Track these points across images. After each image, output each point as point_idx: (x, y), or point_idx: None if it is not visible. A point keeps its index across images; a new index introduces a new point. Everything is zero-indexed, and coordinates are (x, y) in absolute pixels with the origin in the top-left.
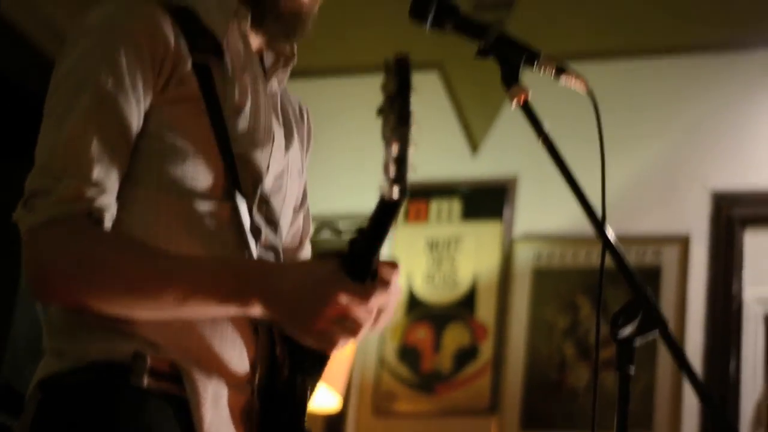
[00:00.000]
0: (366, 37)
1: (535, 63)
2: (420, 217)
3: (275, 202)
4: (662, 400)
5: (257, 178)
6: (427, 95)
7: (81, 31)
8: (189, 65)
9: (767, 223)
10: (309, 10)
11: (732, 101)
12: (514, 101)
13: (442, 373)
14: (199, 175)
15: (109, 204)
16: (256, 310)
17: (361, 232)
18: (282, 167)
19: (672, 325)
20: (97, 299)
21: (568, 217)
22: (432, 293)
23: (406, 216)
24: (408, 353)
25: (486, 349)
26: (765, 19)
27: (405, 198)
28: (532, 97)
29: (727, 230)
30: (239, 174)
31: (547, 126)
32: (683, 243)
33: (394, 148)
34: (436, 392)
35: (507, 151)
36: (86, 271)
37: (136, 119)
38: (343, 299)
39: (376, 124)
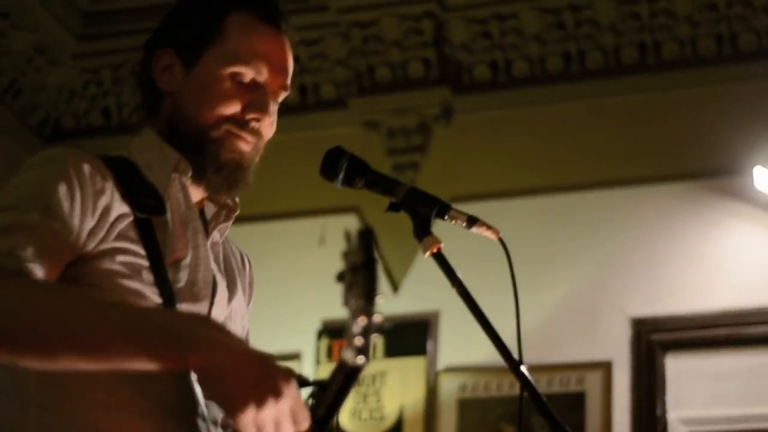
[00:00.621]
0: (283, 183)
1: (446, 215)
2: None
3: None
4: None
5: None
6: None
7: (29, 162)
8: (130, 220)
9: (686, 347)
10: (249, 161)
11: (646, 232)
12: (427, 252)
13: None
14: None
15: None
16: (198, 358)
17: (318, 397)
18: (225, 317)
19: None
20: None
21: (491, 348)
22: (359, 428)
23: (330, 354)
24: None
25: None
26: (673, 155)
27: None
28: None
29: (648, 355)
30: None
31: (462, 272)
32: (606, 369)
33: (361, 321)
34: None
35: (427, 287)
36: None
37: (72, 243)
38: (288, 403)
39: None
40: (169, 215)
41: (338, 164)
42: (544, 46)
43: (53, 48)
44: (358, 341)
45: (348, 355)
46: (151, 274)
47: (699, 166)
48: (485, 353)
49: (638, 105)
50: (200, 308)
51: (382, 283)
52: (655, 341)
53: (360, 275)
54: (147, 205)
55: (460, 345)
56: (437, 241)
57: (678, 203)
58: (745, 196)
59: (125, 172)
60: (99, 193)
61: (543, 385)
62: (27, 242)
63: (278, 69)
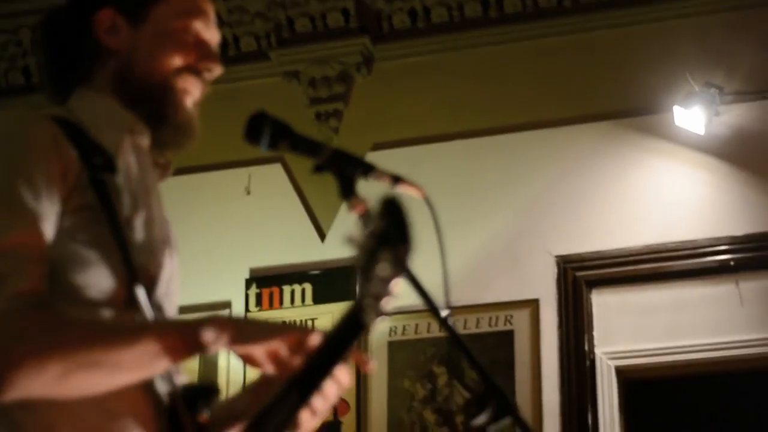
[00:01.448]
0: (207, 135)
1: (370, 175)
2: (274, 303)
3: (168, 307)
4: None
5: (151, 285)
6: (272, 186)
7: None
8: (86, 180)
9: (611, 283)
10: (195, 117)
11: (569, 171)
12: (354, 212)
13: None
14: (102, 283)
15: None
16: (211, 333)
17: (314, 355)
18: (171, 272)
19: (527, 386)
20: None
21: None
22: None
23: (259, 303)
24: None
25: (348, 423)
26: (594, 95)
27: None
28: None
29: (573, 292)
30: (137, 283)
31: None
32: (533, 307)
33: (394, 287)
34: None
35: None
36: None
37: (49, 235)
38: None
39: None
40: (121, 175)
41: (262, 129)
42: None
43: None
44: (384, 304)
45: (370, 315)
46: (109, 230)
47: (620, 105)
48: (414, 295)
49: (558, 47)
50: (154, 263)
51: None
52: (580, 278)
53: (393, 244)
54: (99, 165)
55: None
56: (363, 201)
57: (600, 142)
58: (665, 133)
59: (75, 133)
60: (59, 164)
61: (472, 324)
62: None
63: (213, 26)
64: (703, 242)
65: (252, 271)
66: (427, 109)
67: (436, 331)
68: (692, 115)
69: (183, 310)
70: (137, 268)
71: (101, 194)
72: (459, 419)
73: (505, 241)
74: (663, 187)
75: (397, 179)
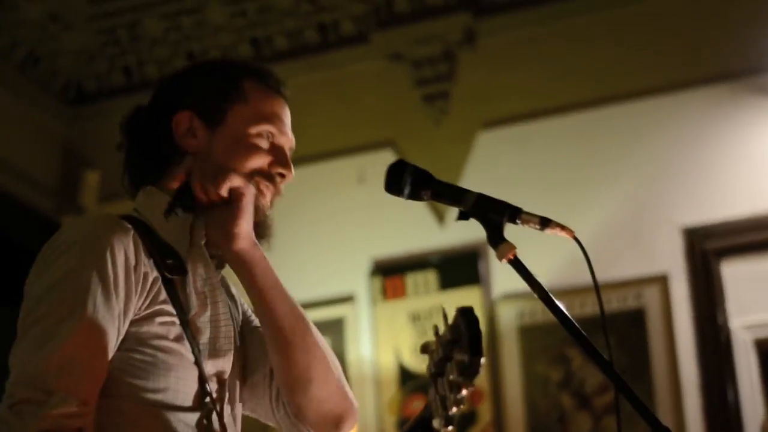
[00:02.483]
0: (315, 124)
1: (518, 219)
2: (398, 292)
3: (237, 394)
4: None
5: (223, 383)
6: (384, 173)
7: (60, 244)
8: (159, 282)
9: (741, 252)
10: (269, 214)
11: (688, 138)
12: (503, 259)
13: None
14: (179, 387)
15: (93, 420)
16: None
17: None
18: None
19: (664, 363)
20: None
21: (547, 270)
22: (421, 364)
23: (384, 294)
24: (404, 425)
25: (484, 412)
26: (711, 56)
27: None
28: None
29: (703, 264)
30: (208, 381)
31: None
32: (662, 282)
33: (463, 392)
34: None
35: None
36: None
37: (116, 337)
38: None
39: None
40: (190, 275)
41: (402, 178)
42: None
43: (66, 13)
44: (452, 411)
45: (437, 423)
46: (182, 332)
47: (738, 66)
48: (541, 275)
49: (673, 8)
50: (224, 363)
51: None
52: (709, 249)
53: (463, 349)
54: (171, 266)
55: (513, 271)
56: (512, 248)
57: (721, 106)
58: None
59: (147, 236)
60: (136, 266)
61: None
62: (83, 380)
63: (288, 132)
64: None
65: (374, 261)
66: (536, 83)
67: (570, 313)
68: None
69: (307, 305)
70: (207, 371)
71: (172, 295)
72: (597, 402)
73: (628, 215)
74: None
75: (546, 222)
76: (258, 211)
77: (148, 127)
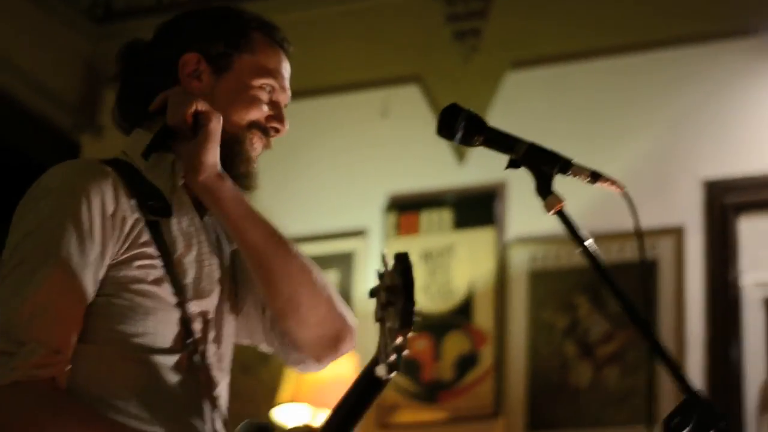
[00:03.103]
0: (341, 55)
1: (569, 171)
2: (411, 229)
3: (224, 334)
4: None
5: (207, 322)
6: (409, 108)
7: (38, 192)
8: (142, 224)
9: (760, 208)
10: (255, 164)
11: (715, 91)
12: (551, 211)
13: (443, 382)
14: (159, 330)
15: (67, 369)
16: None
17: (337, 409)
18: (221, 312)
19: (670, 317)
20: None
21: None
22: (429, 303)
23: (398, 229)
24: (408, 365)
25: (486, 355)
26: (741, 8)
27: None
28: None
29: (721, 218)
30: (191, 322)
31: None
32: (678, 234)
33: (398, 339)
34: (439, 401)
35: (493, 157)
36: None
37: (94, 284)
38: None
39: (363, 140)
40: (174, 216)
41: (456, 123)
42: None
43: None
44: (393, 358)
45: (381, 370)
46: (165, 273)
47: (764, 20)
48: (555, 222)
49: None
50: (208, 303)
51: (415, 305)
52: (728, 203)
53: (398, 297)
54: (155, 208)
55: (529, 215)
56: (560, 200)
57: (745, 59)
58: None
59: (131, 177)
60: (115, 212)
61: (614, 252)
62: (54, 328)
63: (287, 88)
64: None
65: (389, 196)
66: (568, 26)
67: (577, 260)
68: None
69: (319, 238)
70: (189, 309)
71: (156, 236)
72: (599, 351)
73: (650, 165)
74: None
75: (596, 175)
76: (249, 162)
77: (150, 64)
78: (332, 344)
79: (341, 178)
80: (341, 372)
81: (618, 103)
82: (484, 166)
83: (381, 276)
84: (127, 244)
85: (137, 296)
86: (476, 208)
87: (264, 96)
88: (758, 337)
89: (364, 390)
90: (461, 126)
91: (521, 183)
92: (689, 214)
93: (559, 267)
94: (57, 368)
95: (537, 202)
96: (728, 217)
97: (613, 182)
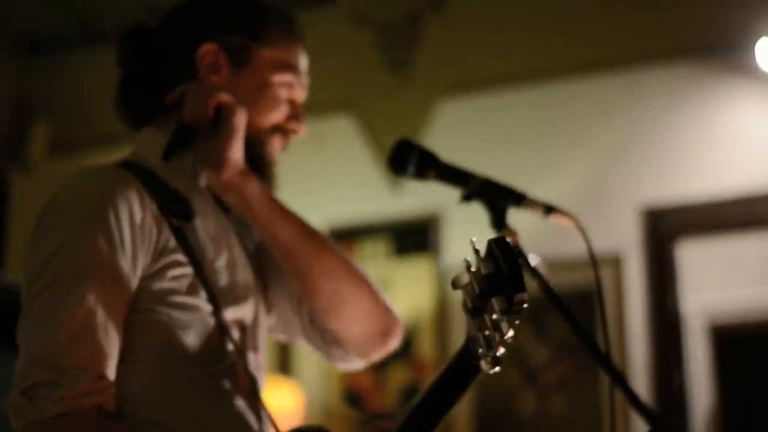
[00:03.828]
0: None
1: (522, 204)
2: None
3: (260, 339)
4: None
5: (244, 330)
6: (344, 138)
7: (59, 206)
8: (167, 230)
9: (697, 234)
10: (275, 164)
11: (649, 117)
12: None
13: (387, 413)
14: (198, 343)
15: (113, 393)
16: None
17: (424, 401)
18: (257, 313)
19: (613, 344)
20: None
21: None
22: None
23: None
24: (352, 397)
25: (427, 380)
26: (674, 32)
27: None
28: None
29: (658, 245)
30: (229, 331)
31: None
32: (616, 262)
33: (510, 332)
34: None
35: (429, 185)
36: None
37: (129, 300)
38: None
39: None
40: (198, 219)
41: (408, 157)
42: None
43: None
44: (500, 352)
45: (486, 365)
46: (197, 281)
47: (701, 43)
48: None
49: None
50: (245, 310)
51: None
52: (665, 230)
53: (504, 285)
54: (178, 212)
55: (466, 242)
56: (514, 234)
57: (681, 83)
58: (749, 72)
59: (149, 181)
60: (143, 221)
61: (552, 280)
62: (96, 353)
63: (305, 84)
64: None
65: (326, 225)
66: (501, 52)
67: None
68: None
69: None
70: (226, 316)
71: (182, 242)
72: (543, 379)
73: (587, 191)
74: (748, 129)
75: (549, 209)
76: (271, 165)
77: (159, 53)
78: (380, 339)
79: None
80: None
81: (553, 131)
82: (420, 195)
83: (469, 266)
84: (157, 254)
85: (174, 310)
86: (413, 237)
87: (284, 94)
88: (701, 363)
89: (458, 381)
90: (414, 161)
91: (457, 211)
92: (627, 242)
93: None
94: (103, 395)
95: (474, 230)
96: (666, 244)
97: (567, 215)
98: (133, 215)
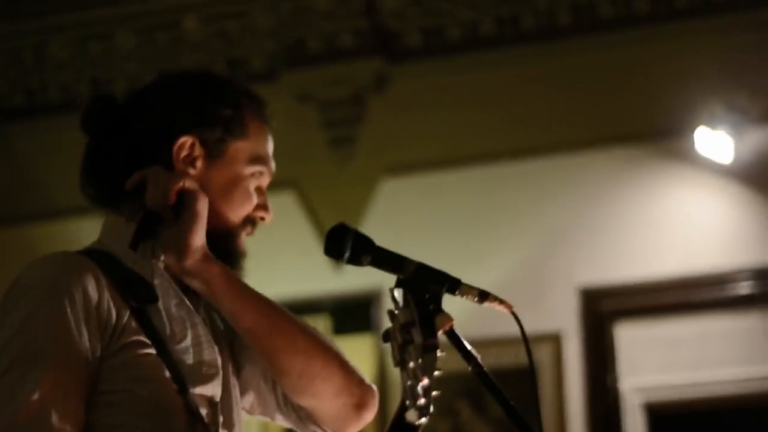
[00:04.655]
0: None
1: (457, 290)
2: None
3: (234, 417)
4: None
5: (215, 407)
6: (285, 214)
7: (17, 291)
8: (128, 313)
9: (635, 315)
10: (245, 255)
11: (588, 199)
12: (440, 331)
13: None
14: (164, 418)
15: None
16: None
17: None
18: (231, 393)
19: (552, 422)
20: None
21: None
22: None
23: None
24: None
25: None
26: (614, 118)
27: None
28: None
29: (596, 325)
30: (198, 409)
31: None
32: (555, 340)
33: (424, 380)
34: None
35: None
36: None
37: (88, 381)
38: None
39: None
40: (160, 302)
41: (343, 243)
42: (477, 10)
43: None
44: (422, 401)
45: (411, 416)
46: (160, 361)
47: (640, 129)
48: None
49: (575, 67)
50: (213, 388)
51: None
52: (604, 310)
53: (416, 332)
54: (139, 295)
55: None
56: (450, 319)
57: (622, 168)
58: (688, 158)
59: (111, 266)
60: (98, 304)
61: (492, 358)
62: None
63: (272, 171)
64: (729, 272)
65: None
66: (443, 133)
67: (457, 366)
68: (716, 140)
69: None
70: (193, 397)
71: (144, 324)
72: None
73: (525, 271)
74: (687, 214)
75: (484, 295)
76: (240, 256)
77: (135, 137)
78: (354, 413)
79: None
80: None
81: (493, 211)
82: (360, 272)
83: (393, 316)
84: (116, 336)
85: (136, 384)
86: (354, 314)
87: (254, 185)
88: None
89: None
90: (349, 246)
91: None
92: (566, 321)
93: (440, 373)
94: None
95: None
96: (604, 324)
97: (501, 302)
98: (89, 298)
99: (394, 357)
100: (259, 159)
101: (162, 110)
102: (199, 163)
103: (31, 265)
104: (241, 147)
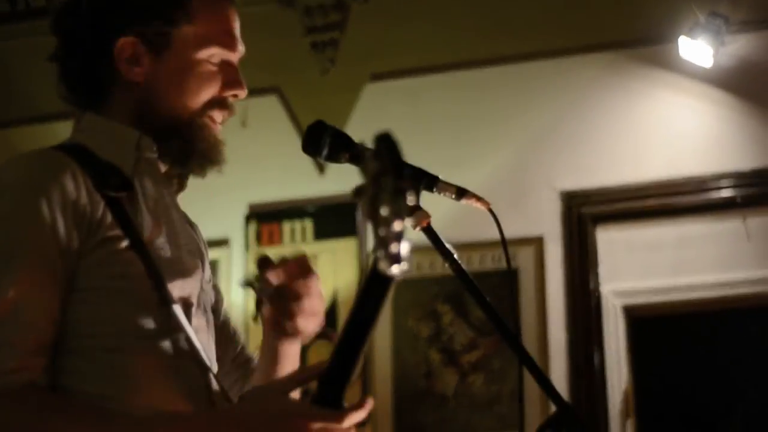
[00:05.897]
0: None
1: (435, 187)
2: (273, 239)
3: (208, 317)
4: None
5: (187, 305)
6: (269, 119)
7: None
8: (103, 205)
9: (617, 219)
10: (222, 144)
11: (572, 104)
12: (417, 227)
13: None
14: (138, 313)
15: (48, 367)
16: None
17: (349, 321)
18: (205, 285)
19: (533, 325)
20: None
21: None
22: None
23: (259, 239)
24: None
25: None
26: (598, 24)
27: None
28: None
29: (579, 228)
30: (172, 306)
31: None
32: (538, 244)
33: (396, 226)
34: None
35: (355, 167)
36: None
37: (65, 279)
38: (316, 426)
39: None
40: (139, 192)
41: (321, 140)
42: None
43: None
44: (394, 247)
45: (383, 264)
46: (135, 255)
47: (624, 35)
48: (417, 232)
49: None
50: (193, 282)
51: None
52: (586, 214)
53: (387, 180)
54: (113, 185)
55: None
56: (427, 216)
57: (605, 74)
58: (671, 64)
59: (86, 159)
60: (76, 202)
61: (476, 262)
62: (30, 329)
63: (238, 44)
64: (710, 177)
65: (251, 206)
66: (426, 38)
67: (440, 269)
68: (698, 46)
69: None
70: (169, 291)
71: (119, 216)
72: (464, 359)
73: (508, 176)
74: (669, 120)
75: (462, 192)
76: (212, 143)
77: (84, 45)
78: None
79: (201, 187)
80: None
81: (476, 115)
82: (344, 177)
83: (363, 168)
84: (93, 230)
85: (111, 281)
86: (338, 219)
87: (212, 67)
88: (619, 344)
89: (371, 294)
90: (327, 143)
91: None
92: (548, 225)
93: (421, 276)
94: (35, 371)
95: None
96: (586, 227)
97: (479, 199)
98: (66, 196)
99: (363, 211)
100: (210, 40)
101: (104, 15)
102: (144, 61)
103: (6, 164)
104: (187, 32)
